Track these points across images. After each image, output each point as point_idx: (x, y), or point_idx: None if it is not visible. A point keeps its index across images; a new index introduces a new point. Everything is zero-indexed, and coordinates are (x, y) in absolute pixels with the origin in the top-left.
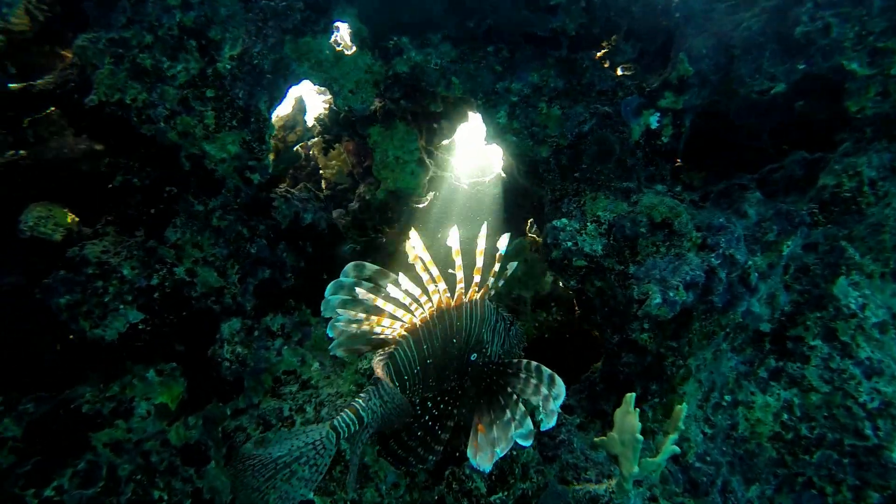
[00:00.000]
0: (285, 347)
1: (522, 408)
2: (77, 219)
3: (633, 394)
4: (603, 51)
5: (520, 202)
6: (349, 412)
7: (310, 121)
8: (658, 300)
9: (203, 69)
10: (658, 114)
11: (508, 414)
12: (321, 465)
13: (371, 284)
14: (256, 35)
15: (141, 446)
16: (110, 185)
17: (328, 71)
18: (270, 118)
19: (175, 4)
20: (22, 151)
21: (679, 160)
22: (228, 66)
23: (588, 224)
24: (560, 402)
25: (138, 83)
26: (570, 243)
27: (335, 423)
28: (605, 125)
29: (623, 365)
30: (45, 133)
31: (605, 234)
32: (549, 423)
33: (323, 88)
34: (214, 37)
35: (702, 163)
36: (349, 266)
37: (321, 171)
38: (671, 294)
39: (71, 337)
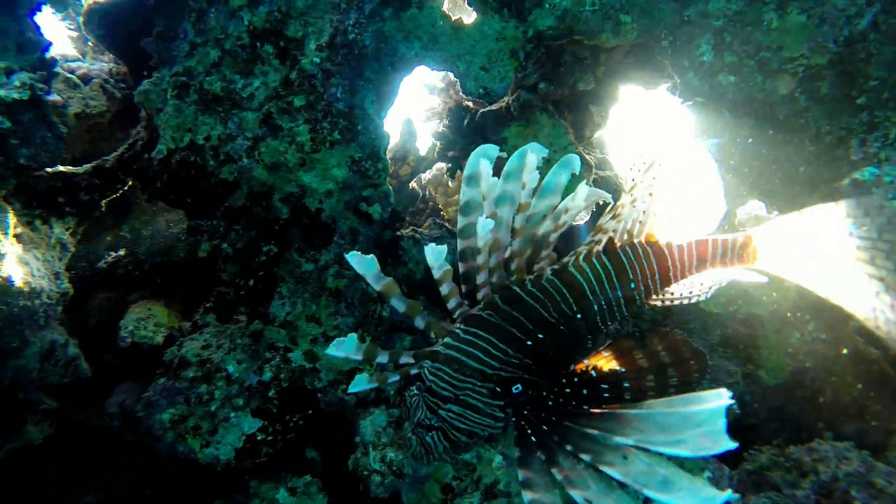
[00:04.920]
0: None
1: None
2: (178, 314)
3: None
4: None
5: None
6: None
7: (422, 149)
8: None
9: (286, 76)
10: None
11: None
12: None
13: None
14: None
15: None
16: (199, 257)
17: (446, 48)
18: (382, 125)
19: (241, 4)
20: (122, 251)
21: None
22: (317, 60)
23: None
24: None
25: (210, 116)
26: None
27: None
28: None
29: None
30: (137, 224)
31: None
32: None
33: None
34: (294, 34)
35: None
36: None
37: (442, 213)
38: None
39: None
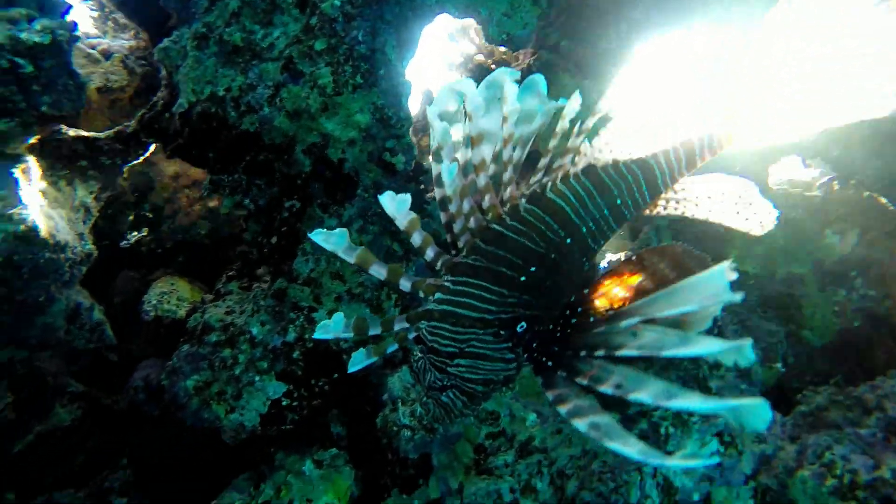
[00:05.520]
0: None
1: None
2: (200, 290)
3: None
4: None
5: None
6: None
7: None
8: None
9: (306, 23)
10: None
11: None
12: None
13: None
14: None
15: None
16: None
17: None
18: (404, 73)
19: None
20: (144, 231)
21: None
22: (337, 3)
23: None
24: None
25: (231, 68)
26: None
27: None
28: None
29: None
30: (159, 202)
31: None
32: None
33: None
34: None
35: None
36: None
37: None
38: None
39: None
